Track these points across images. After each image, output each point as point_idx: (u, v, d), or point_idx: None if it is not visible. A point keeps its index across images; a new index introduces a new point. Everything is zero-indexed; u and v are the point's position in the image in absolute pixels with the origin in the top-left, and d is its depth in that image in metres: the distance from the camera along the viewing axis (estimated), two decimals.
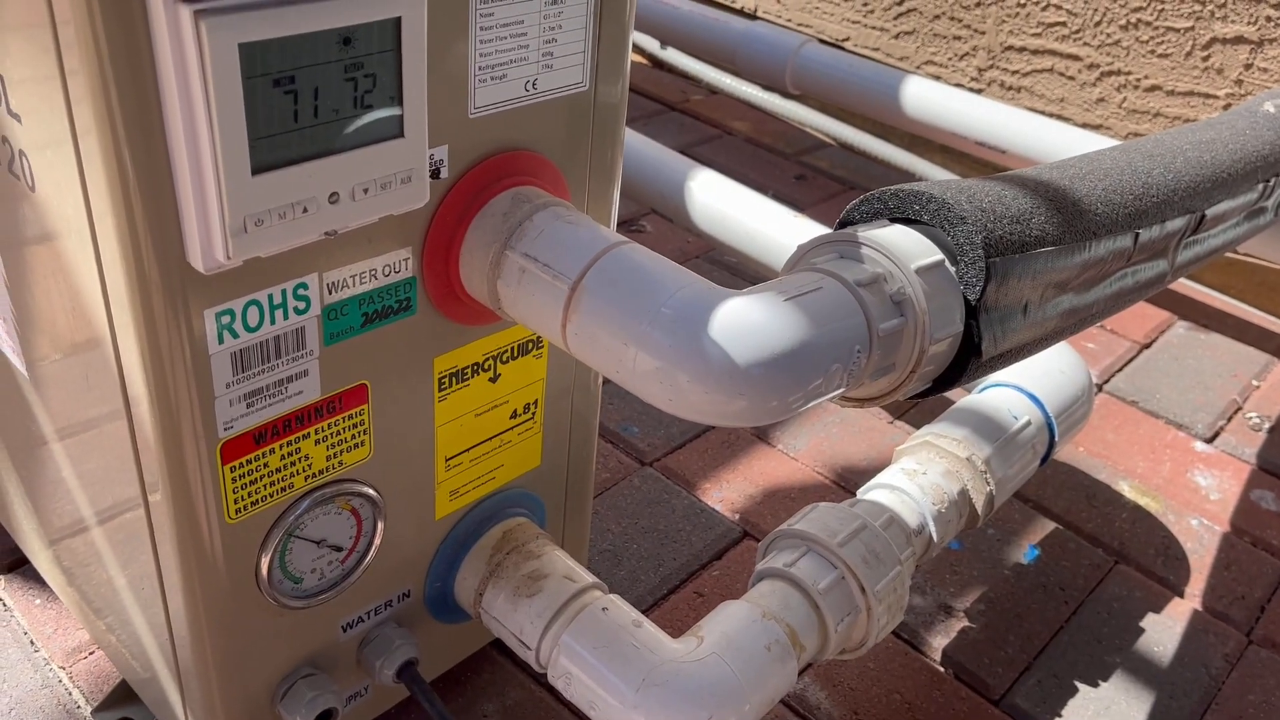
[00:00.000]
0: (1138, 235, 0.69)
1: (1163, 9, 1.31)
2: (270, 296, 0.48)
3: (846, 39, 1.63)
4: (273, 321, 0.49)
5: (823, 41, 1.65)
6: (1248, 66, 1.28)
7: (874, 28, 1.59)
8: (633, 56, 1.84)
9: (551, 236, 0.51)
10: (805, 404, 0.49)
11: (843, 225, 0.60)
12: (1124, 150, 0.76)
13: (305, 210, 0.44)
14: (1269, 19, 1.24)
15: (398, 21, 0.43)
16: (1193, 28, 1.30)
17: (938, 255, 0.55)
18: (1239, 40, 1.28)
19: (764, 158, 1.54)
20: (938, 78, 1.53)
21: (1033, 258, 0.58)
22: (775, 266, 1.02)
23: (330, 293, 0.50)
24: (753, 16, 1.73)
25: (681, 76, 1.76)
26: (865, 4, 1.59)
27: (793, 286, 0.50)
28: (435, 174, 0.51)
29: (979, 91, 1.50)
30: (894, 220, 0.58)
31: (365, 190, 0.46)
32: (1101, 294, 0.70)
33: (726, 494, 0.93)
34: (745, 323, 0.47)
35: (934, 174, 1.47)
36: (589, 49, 0.55)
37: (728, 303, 0.48)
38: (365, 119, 0.44)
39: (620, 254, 0.50)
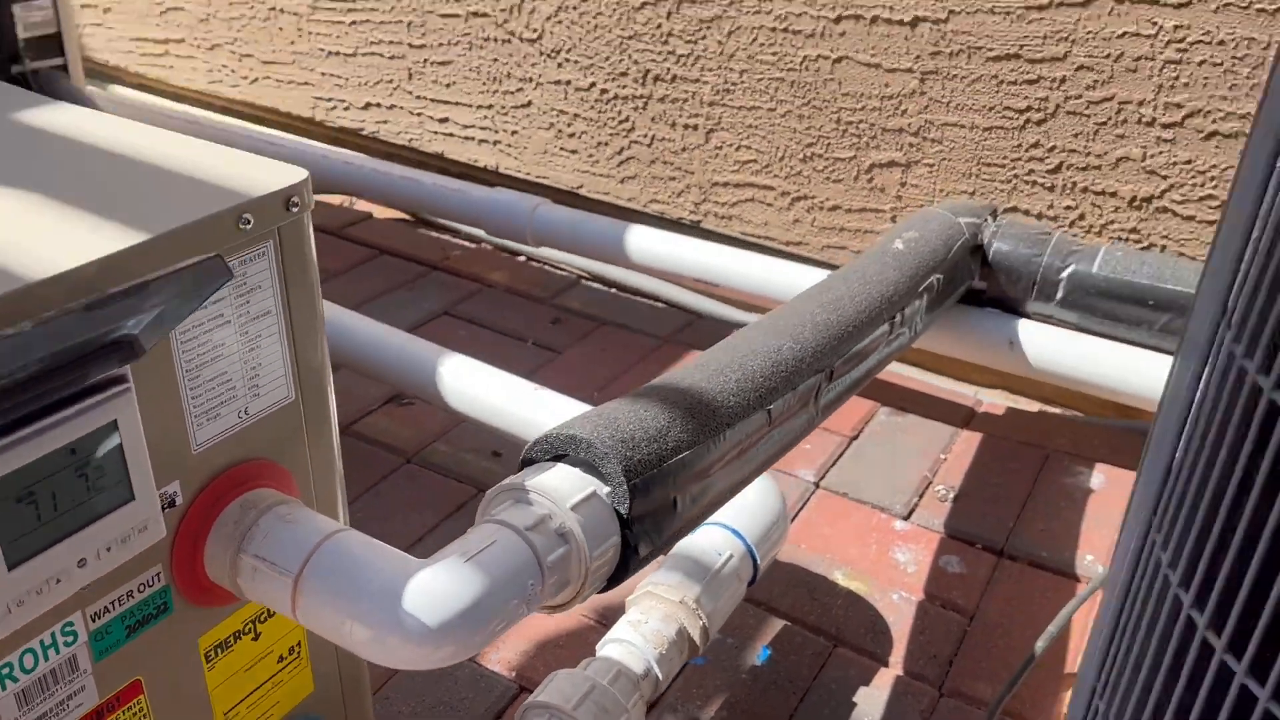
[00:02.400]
0: (770, 411, 0.87)
1: (830, 144, 1.55)
2: (41, 641, 0.59)
3: (580, 186, 1.81)
4: (46, 659, 0.59)
5: (559, 191, 1.83)
6: (903, 184, 1.53)
7: (601, 175, 1.78)
8: (395, 214, 1.97)
9: (275, 537, 0.64)
10: (497, 635, 0.64)
11: (525, 463, 0.75)
12: (759, 328, 0.95)
13: (59, 581, 0.55)
14: (910, 144, 1.50)
15: (114, 423, 0.56)
16: (855, 156, 1.55)
17: (590, 488, 0.71)
18: (892, 164, 1.52)
19: (521, 305, 1.70)
20: (662, 214, 1.74)
21: (670, 469, 0.75)
22: (523, 437, 1.17)
23: (94, 621, 0.61)
24: (495, 172, 1.90)
25: (442, 230, 1.91)
26: (591, 155, 1.78)
27: (474, 544, 0.65)
28: (170, 504, 0.63)
29: (698, 222, 1.71)
30: (558, 458, 0.74)
31: (109, 549, 0.57)
32: (754, 459, 0.88)
33: (504, 654, 1.06)
34: (432, 591, 0.61)
35: (668, 292, 1.68)
36: (289, 370, 0.68)
37: (419, 576, 0.62)
38: (99, 499, 0.56)
39: (333, 545, 0.64)
